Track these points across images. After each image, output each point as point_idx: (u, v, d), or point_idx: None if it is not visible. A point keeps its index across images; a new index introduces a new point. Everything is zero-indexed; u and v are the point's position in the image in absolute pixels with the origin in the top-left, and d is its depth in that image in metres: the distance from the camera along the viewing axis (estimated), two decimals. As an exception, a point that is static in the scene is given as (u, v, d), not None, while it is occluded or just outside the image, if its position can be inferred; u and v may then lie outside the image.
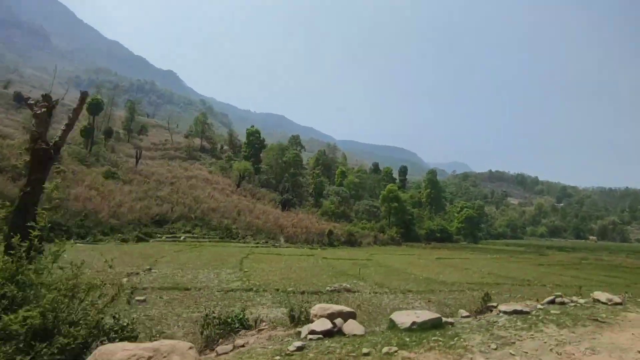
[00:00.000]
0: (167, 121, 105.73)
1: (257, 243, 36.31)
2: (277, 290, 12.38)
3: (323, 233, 44.11)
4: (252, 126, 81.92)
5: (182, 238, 33.02)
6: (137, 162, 54.71)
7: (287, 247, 36.26)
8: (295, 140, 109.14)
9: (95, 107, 53.27)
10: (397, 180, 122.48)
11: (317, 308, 7.29)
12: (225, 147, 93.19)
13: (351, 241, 45.96)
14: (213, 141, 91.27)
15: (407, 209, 77.38)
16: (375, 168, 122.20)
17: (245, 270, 16.95)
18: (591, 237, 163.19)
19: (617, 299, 9.39)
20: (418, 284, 15.40)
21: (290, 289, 12.49)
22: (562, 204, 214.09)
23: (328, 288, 12.66)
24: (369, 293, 12.34)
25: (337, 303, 8.75)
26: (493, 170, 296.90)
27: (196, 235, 35.54)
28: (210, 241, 33.90)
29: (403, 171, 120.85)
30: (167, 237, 32.55)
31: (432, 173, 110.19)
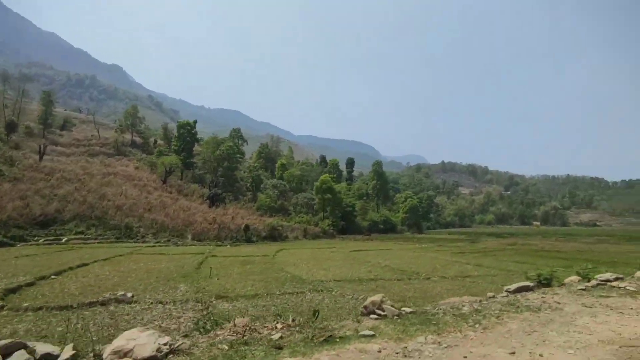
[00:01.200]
0: (85, 114, 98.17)
1: (158, 242, 32.73)
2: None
3: (248, 227, 40.98)
4: (195, 120, 77.07)
5: (64, 240, 28.93)
6: (40, 157, 49.37)
7: (190, 244, 32.87)
8: (236, 134, 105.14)
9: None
10: (344, 172, 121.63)
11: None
12: (160, 142, 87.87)
13: (273, 236, 43.09)
14: (145, 136, 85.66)
15: (347, 200, 75.84)
16: (322, 160, 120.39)
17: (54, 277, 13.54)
18: (535, 223, 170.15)
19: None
20: (267, 284, 12.77)
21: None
22: (509, 192, 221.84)
23: (94, 299, 9.65)
24: (151, 304, 9.46)
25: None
26: (446, 161, 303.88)
27: (87, 237, 31.51)
28: (99, 242, 29.99)
29: (350, 163, 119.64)
30: (46, 240, 28.40)
31: (378, 164, 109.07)
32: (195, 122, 76.47)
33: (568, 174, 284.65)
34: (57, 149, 64.97)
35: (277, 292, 11.13)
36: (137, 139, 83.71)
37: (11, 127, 58.42)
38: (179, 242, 33.60)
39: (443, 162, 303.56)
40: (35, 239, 28.35)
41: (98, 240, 30.59)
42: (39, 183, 39.44)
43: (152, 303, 9.65)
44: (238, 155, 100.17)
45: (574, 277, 11.99)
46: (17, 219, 29.40)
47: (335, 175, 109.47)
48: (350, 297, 10.80)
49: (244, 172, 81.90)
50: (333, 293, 11.47)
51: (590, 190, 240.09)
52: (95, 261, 17.93)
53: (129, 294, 10.07)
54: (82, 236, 31.42)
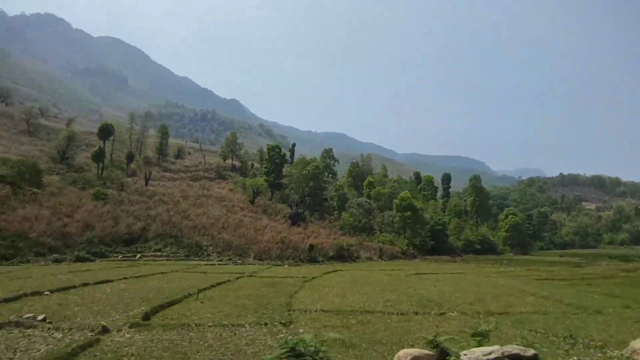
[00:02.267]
0: (199, 143, 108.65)
1: (220, 260, 34.65)
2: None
3: (313, 247, 41.24)
4: (276, 144, 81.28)
5: (137, 257, 32.31)
6: (146, 182, 55.96)
7: (250, 264, 34.04)
8: (328, 154, 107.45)
9: (104, 133, 55.63)
10: (440, 189, 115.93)
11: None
12: (257, 165, 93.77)
13: (342, 255, 42.52)
14: (243, 160, 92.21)
15: (437, 218, 72.02)
16: (417, 177, 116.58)
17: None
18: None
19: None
20: (230, 312, 12.41)
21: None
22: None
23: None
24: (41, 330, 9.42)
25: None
26: (565, 173, 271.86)
27: (163, 254, 34.76)
28: (168, 259, 32.83)
29: (446, 179, 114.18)
30: (124, 257, 32.05)
31: (476, 179, 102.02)
32: (279, 145, 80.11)
33: None
34: (166, 174, 73.36)
35: (224, 323, 10.67)
36: (237, 164, 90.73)
37: (130, 157, 67.13)
38: (238, 261, 35.18)
39: (562, 174, 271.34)
40: (115, 255, 32.22)
41: (168, 258, 33.52)
42: (136, 205, 44.77)
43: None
44: (329, 175, 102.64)
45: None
46: (105, 237, 33.80)
47: (429, 193, 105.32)
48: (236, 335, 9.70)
49: (333, 192, 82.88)
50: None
51: None
52: (125, 278, 19.54)
53: (40, 317, 10.20)
54: (159, 253, 34.77)
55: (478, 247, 76.23)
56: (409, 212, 57.45)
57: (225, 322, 10.47)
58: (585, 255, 73.50)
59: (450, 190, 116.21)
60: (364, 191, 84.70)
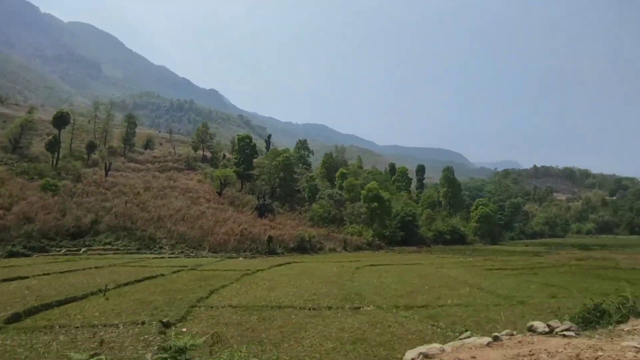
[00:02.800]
0: (170, 133, 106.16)
1: (173, 253, 33.54)
2: None
3: (271, 238, 40.35)
4: (245, 134, 79.87)
5: (81, 251, 30.87)
6: (106, 173, 54.06)
7: (204, 257, 33.01)
8: (302, 145, 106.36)
9: (59, 121, 53.27)
10: (415, 180, 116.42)
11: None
12: (229, 156, 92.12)
13: (303, 247, 41.83)
14: (214, 150, 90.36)
15: (407, 209, 72.03)
16: (391, 169, 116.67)
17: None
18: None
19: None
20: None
21: None
22: (615, 198, 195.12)
23: None
24: None
25: None
26: (539, 165, 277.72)
27: (113, 247, 33.38)
28: (115, 254, 31.47)
29: (420, 170, 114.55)
30: (68, 251, 30.56)
31: (448, 170, 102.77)
32: (249, 135, 78.82)
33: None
34: (131, 165, 71.10)
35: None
36: (208, 154, 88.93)
37: (91, 147, 64.70)
38: (191, 254, 34.14)
39: (535, 166, 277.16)
40: (58, 249, 30.70)
41: (116, 252, 32.20)
42: (92, 197, 43.01)
43: None
44: (303, 166, 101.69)
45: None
46: (49, 230, 32.16)
47: (403, 184, 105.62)
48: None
49: (304, 183, 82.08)
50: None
51: None
52: (47, 274, 18.31)
53: None
54: (110, 246, 33.39)
55: (448, 237, 76.79)
56: (376, 203, 57.03)
57: (97, 322, 9.61)
58: (549, 245, 75.13)
59: (424, 181, 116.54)
60: (336, 182, 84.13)
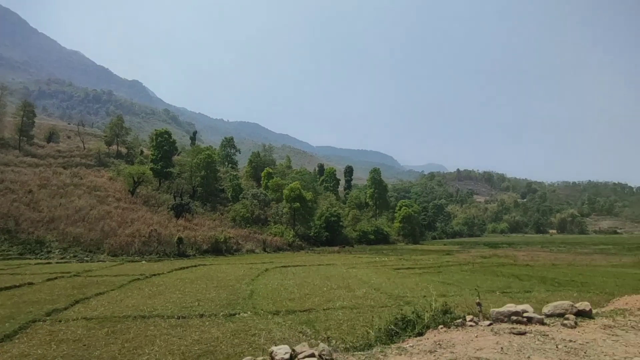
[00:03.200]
0: (78, 126, 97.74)
1: (63, 258, 29.92)
2: None
3: (181, 240, 37.69)
4: (163, 129, 75.12)
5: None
6: (-7, 168, 47.66)
7: (100, 261, 29.80)
8: (228, 143, 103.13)
9: None
10: (343, 181, 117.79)
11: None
12: (148, 152, 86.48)
13: (218, 249, 39.71)
14: (130, 146, 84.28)
15: (332, 210, 72.14)
16: (320, 169, 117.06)
17: None
18: (551, 231, 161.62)
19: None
20: None
21: None
22: (525, 200, 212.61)
23: None
24: None
25: None
26: (461, 169, 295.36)
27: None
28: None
29: (349, 171, 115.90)
30: None
31: (375, 171, 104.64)
32: (168, 130, 74.54)
33: (589, 180, 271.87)
34: (27, 159, 63.89)
35: None
36: (124, 150, 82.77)
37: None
38: (85, 258, 30.65)
39: (458, 170, 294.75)
40: None
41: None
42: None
43: None
44: (229, 165, 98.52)
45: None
46: None
47: (331, 184, 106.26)
48: None
49: (228, 182, 79.25)
50: None
51: (613, 196, 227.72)
52: None
53: None
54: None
55: (372, 237, 78.09)
56: (298, 203, 56.04)
57: None
58: (465, 244, 79.09)
59: (355, 182, 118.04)
60: (262, 182, 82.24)
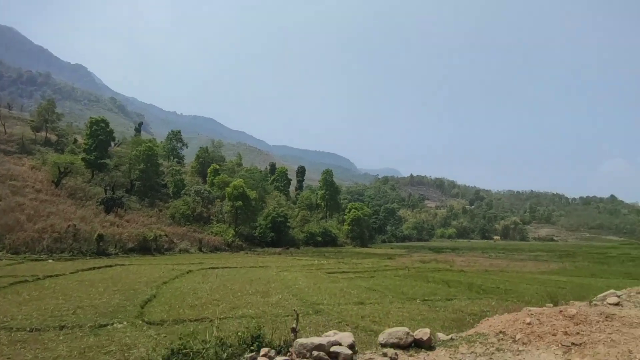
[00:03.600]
0: (7, 107, 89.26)
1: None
2: None
3: (102, 237, 33.83)
4: (99, 117, 69.62)
5: None
6: None
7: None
8: (175, 136, 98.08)
9: None
10: (295, 181, 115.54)
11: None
12: (83, 141, 79.97)
13: (147, 247, 36.20)
14: (61, 133, 77.40)
15: (279, 210, 69.74)
16: (272, 168, 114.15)
17: None
18: (495, 237, 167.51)
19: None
20: None
21: None
22: (473, 207, 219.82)
23: None
24: None
25: None
26: (415, 174, 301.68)
27: None
28: None
29: (301, 172, 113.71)
30: None
31: (327, 173, 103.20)
32: (104, 118, 69.23)
33: (532, 190, 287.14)
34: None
35: None
36: (54, 137, 75.88)
37: None
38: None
39: (412, 175, 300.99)
40: None
41: None
42: None
43: None
44: (174, 159, 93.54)
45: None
46: None
47: (282, 184, 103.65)
48: None
49: (170, 177, 74.75)
50: None
51: (551, 205, 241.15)
52: None
53: None
54: None
55: (320, 239, 76.39)
56: (241, 202, 53.05)
57: None
58: (411, 247, 79.16)
59: (309, 183, 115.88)
60: (207, 178, 78.33)
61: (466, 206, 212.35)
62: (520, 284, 20.99)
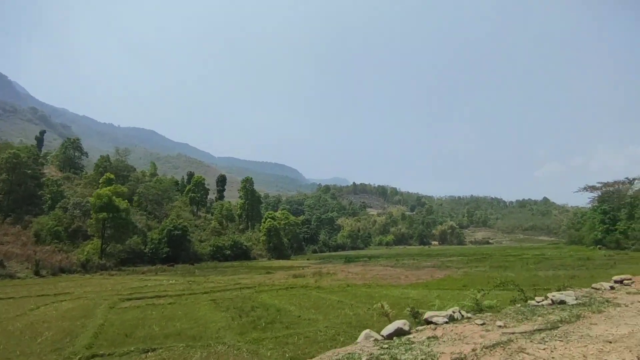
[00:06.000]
0: None
1: None
2: None
3: None
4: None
5: None
6: None
7: None
8: (71, 144, 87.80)
9: None
10: (215, 191, 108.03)
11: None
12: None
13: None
14: None
15: (174, 221, 62.28)
16: (190, 177, 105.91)
17: None
18: (433, 242, 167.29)
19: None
20: None
21: None
22: (414, 212, 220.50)
23: None
24: None
25: None
26: (357, 183, 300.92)
27: None
28: None
29: (221, 181, 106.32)
30: None
31: (248, 181, 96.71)
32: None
33: (472, 195, 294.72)
34: None
35: None
36: None
37: None
38: None
39: (354, 183, 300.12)
40: None
41: None
42: None
43: None
44: (71, 170, 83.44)
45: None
46: None
47: (199, 195, 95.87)
48: None
49: (54, 188, 65.20)
50: None
51: (490, 209, 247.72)
52: None
53: None
54: None
55: (229, 252, 69.58)
56: (105, 213, 45.20)
57: None
58: (331, 258, 73.93)
59: (225, 193, 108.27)
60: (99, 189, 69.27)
61: (406, 212, 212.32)
62: (334, 310, 15.51)
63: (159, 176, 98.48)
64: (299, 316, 14.65)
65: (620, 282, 11.97)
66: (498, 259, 55.25)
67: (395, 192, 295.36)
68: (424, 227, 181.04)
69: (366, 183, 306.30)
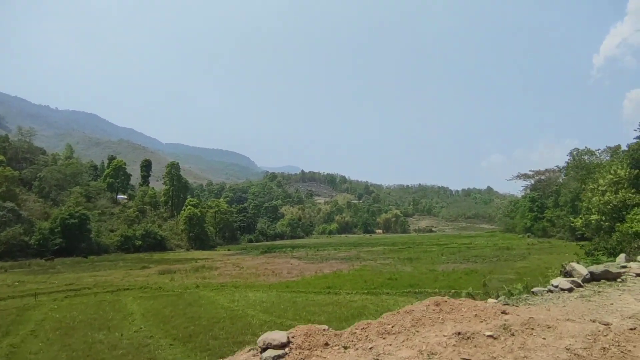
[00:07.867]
0: None
1: None
2: None
3: None
4: None
5: None
6: None
7: None
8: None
9: None
10: (140, 176, 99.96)
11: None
12: None
13: None
14: None
15: (70, 209, 55.10)
16: (110, 161, 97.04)
17: None
18: (378, 231, 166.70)
19: None
20: None
21: None
22: (361, 201, 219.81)
23: None
24: None
25: None
26: (306, 171, 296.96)
27: None
28: None
29: (145, 166, 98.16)
30: None
31: (173, 166, 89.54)
32: None
33: (420, 183, 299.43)
34: None
35: None
36: None
37: None
38: None
39: (303, 171, 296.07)
40: None
41: None
42: None
43: None
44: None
45: None
46: None
47: (119, 180, 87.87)
48: None
49: None
50: None
51: (436, 198, 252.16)
52: None
53: None
54: None
55: (140, 243, 63.20)
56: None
57: None
58: (259, 248, 69.57)
59: (150, 178, 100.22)
60: None
61: (352, 201, 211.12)
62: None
63: (73, 159, 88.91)
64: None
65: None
66: (418, 249, 53.07)
67: (344, 180, 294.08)
68: (368, 216, 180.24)
69: (315, 171, 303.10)
